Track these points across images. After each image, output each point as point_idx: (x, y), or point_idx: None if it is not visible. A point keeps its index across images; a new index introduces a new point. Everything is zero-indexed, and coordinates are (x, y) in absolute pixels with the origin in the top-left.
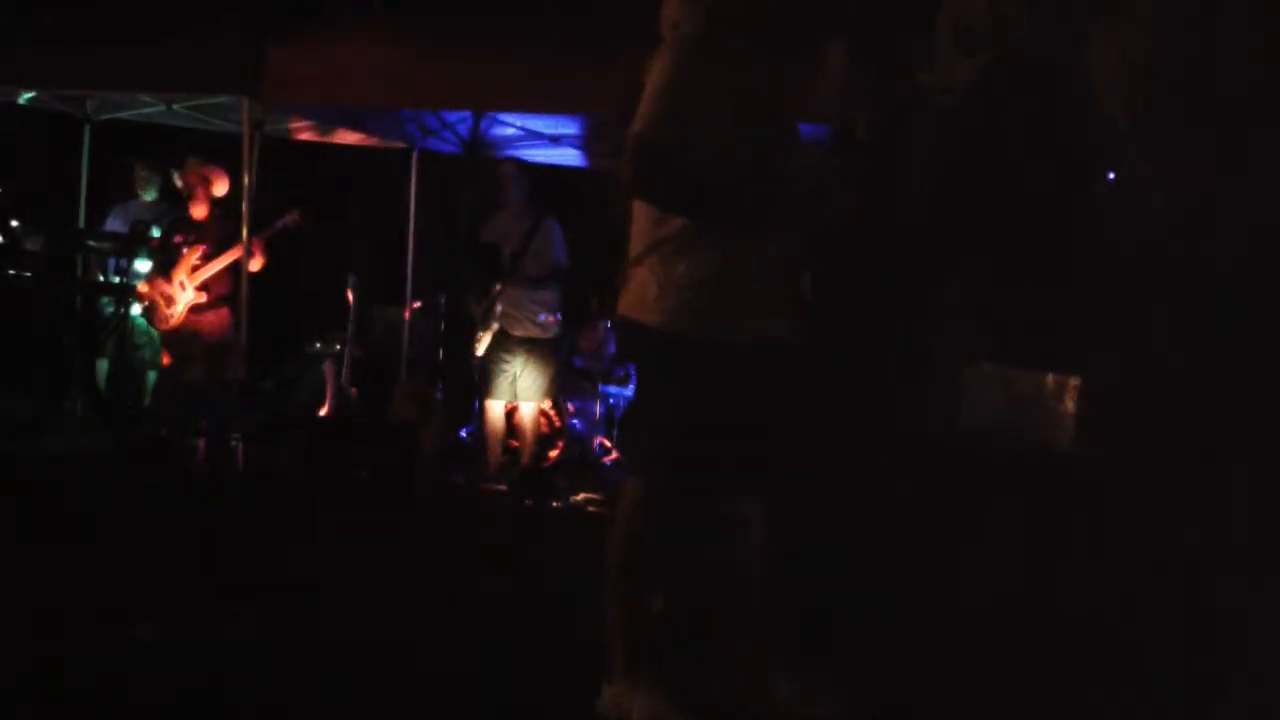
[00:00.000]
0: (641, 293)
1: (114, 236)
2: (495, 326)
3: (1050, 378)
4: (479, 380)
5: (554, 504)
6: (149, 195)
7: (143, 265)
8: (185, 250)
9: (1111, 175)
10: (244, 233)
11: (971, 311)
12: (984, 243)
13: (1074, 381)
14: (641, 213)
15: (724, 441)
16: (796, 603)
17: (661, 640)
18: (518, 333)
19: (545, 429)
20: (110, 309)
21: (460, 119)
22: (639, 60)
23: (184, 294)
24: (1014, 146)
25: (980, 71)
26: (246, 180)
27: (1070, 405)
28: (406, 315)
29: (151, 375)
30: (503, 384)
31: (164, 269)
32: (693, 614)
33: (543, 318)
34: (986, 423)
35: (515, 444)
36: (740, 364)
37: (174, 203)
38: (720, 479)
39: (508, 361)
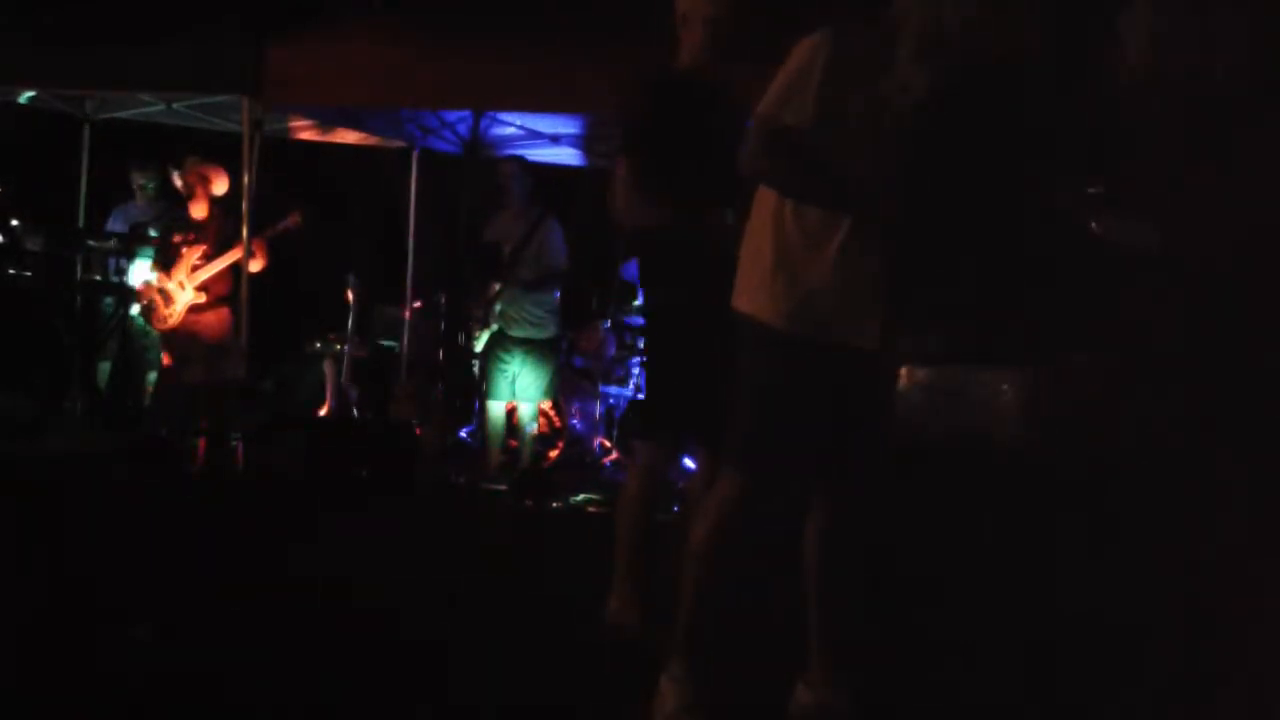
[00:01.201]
0: (749, 284)
1: (114, 236)
2: (494, 326)
3: (999, 376)
4: (479, 380)
5: (554, 504)
6: (147, 199)
7: (142, 265)
8: (185, 250)
9: (1095, 176)
10: (244, 233)
11: (926, 313)
12: (940, 246)
13: (1025, 379)
14: (756, 208)
15: (824, 443)
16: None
17: (709, 634)
18: (516, 333)
19: (545, 429)
20: (110, 309)
21: (460, 119)
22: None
23: (183, 294)
24: (973, 151)
25: (940, 74)
26: (246, 180)
27: (1018, 403)
28: (407, 315)
29: (151, 375)
30: (502, 384)
31: (163, 268)
32: (745, 610)
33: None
34: (934, 423)
35: (515, 444)
36: (838, 365)
37: (173, 202)
38: (814, 479)
39: (506, 361)
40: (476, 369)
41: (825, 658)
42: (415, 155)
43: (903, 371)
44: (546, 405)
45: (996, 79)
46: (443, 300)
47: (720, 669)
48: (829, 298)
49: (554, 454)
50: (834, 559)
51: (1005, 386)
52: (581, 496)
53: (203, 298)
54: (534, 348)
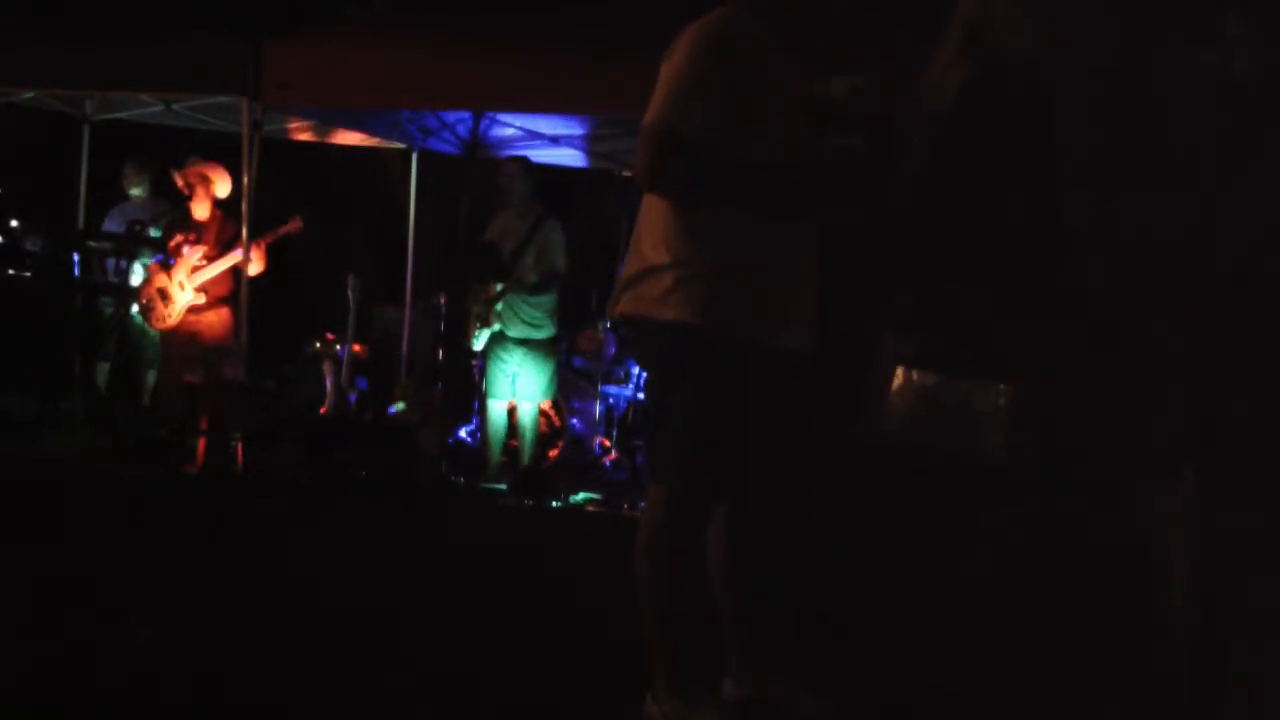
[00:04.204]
0: (658, 290)
1: (114, 236)
2: (496, 326)
3: (988, 387)
4: (479, 380)
5: (554, 504)
6: (136, 190)
7: (140, 266)
8: (186, 250)
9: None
10: (244, 234)
11: (916, 319)
12: (947, 252)
13: (1016, 389)
14: (657, 207)
15: (746, 447)
16: (780, 602)
17: (683, 645)
18: (514, 333)
19: (545, 429)
20: (110, 309)
21: (460, 119)
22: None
23: (182, 294)
24: (993, 154)
25: (969, 76)
26: (246, 180)
27: (1011, 414)
28: (406, 315)
29: (151, 375)
30: (503, 382)
31: (163, 267)
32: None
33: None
34: (919, 431)
35: (515, 444)
36: (763, 365)
37: (171, 201)
38: (742, 485)
39: (506, 360)
40: (476, 369)
41: (747, 655)
42: (415, 156)
43: (898, 376)
44: (546, 405)
45: (1035, 81)
46: (442, 300)
47: (697, 678)
48: (754, 298)
49: (554, 454)
50: (739, 565)
51: (1003, 400)
52: (581, 496)
53: (202, 298)
54: (533, 347)
